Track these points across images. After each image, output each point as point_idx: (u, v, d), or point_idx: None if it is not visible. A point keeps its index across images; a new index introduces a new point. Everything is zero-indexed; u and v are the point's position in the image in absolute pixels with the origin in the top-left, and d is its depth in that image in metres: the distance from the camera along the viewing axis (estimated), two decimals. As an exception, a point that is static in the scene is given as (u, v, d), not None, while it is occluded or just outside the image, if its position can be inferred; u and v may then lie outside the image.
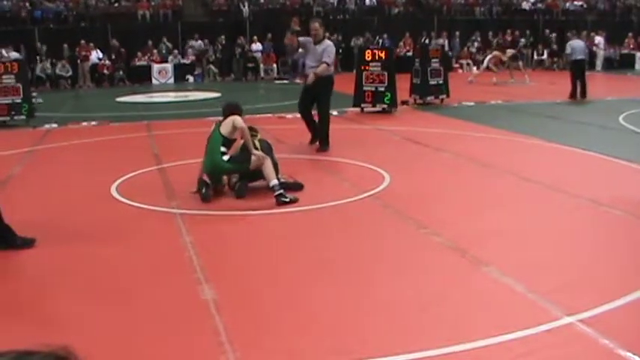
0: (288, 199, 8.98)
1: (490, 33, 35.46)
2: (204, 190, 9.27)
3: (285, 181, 9.64)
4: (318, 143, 13.00)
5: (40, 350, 1.21)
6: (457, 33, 34.85)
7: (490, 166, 11.00)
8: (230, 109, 9.64)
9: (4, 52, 26.43)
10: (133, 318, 5.55)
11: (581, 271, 6.42)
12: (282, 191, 9.06)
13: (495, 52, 27.46)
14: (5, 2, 33.49)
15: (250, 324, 5.36)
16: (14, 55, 25.26)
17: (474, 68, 33.03)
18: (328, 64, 12.82)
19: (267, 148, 9.79)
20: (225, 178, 9.74)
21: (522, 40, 34.50)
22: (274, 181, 9.11)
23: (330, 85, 13.01)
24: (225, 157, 9.31)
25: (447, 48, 32.31)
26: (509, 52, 27.76)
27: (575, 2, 38.12)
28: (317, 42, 12.94)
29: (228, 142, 9.39)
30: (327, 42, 13.16)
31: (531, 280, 6.06)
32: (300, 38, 13.34)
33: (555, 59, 33.59)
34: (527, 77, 26.40)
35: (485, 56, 28.76)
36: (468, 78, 26.18)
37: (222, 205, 9.05)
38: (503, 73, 26.51)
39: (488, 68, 27.09)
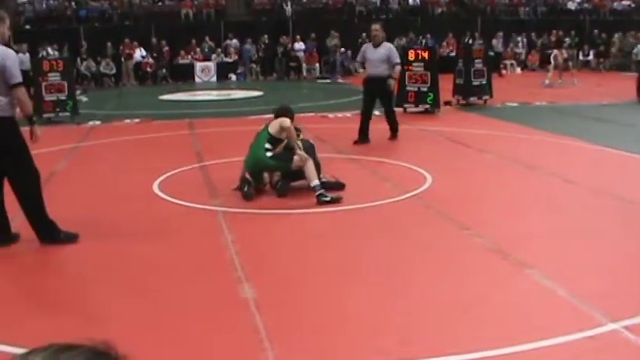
0: (329, 199, 8.96)
1: (533, 34, 35.09)
2: (246, 188, 9.30)
3: (327, 180, 9.63)
4: (390, 133, 13.87)
5: (81, 344, 1.21)
6: (501, 33, 34.54)
7: (534, 167, 10.88)
8: (282, 112, 9.71)
9: (49, 50, 26.73)
10: (174, 315, 5.57)
11: (627, 276, 6.32)
12: (322, 191, 9.04)
13: (556, 51, 26.98)
14: (52, 1, 33.90)
15: (290, 323, 5.35)
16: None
17: (518, 69, 32.77)
18: (399, 64, 13.93)
19: (309, 147, 9.79)
20: (266, 176, 9.75)
21: (567, 39, 34.08)
22: (315, 182, 9.09)
23: (390, 83, 13.55)
24: (269, 154, 9.32)
25: (500, 49, 32.02)
26: (564, 52, 27.33)
27: (623, 2, 37.54)
28: (377, 44, 13.59)
29: (274, 140, 9.40)
30: (388, 44, 13.90)
31: (574, 284, 5.97)
32: (361, 50, 14.18)
33: (602, 60, 33.14)
34: (575, 78, 25.99)
35: (550, 54, 28.19)
36: (545, 82, 25.62)
37: (263, 204, 9.05)
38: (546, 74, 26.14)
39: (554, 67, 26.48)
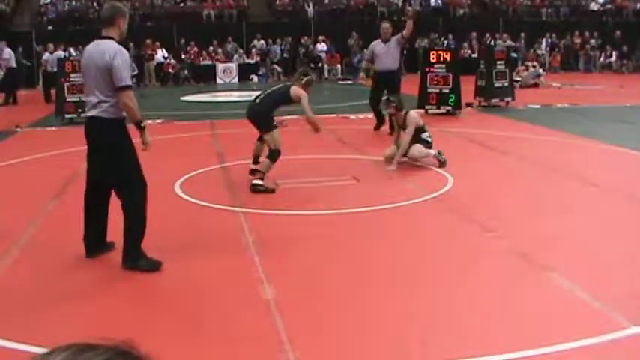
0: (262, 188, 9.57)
1: (553, 35, 34.83)
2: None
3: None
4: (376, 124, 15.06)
5: (102, 343, 1.22)
6: (522, 35, 34.37)
7: (556, 170, 10.82)
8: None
9: (72, 50, 26.82)
10: (194, 316, 5.59)
11: (649, 279, 6.28)
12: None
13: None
14: (74, 2, 34.09)
15: (311, 324, 5.36)
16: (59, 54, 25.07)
17: (540, 70, 32.61)
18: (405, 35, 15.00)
19: None
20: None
21: (592, 41, 33.85)
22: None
23: (399, 75, 15.26)
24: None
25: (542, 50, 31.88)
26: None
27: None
28: (386, 40, 14.85)
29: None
30: (394, 37, 14.97)
31: (597, 287, 5.94)
32: (369, 48, 15.56)
33: (624, 62, 32.91)
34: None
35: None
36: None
37: (284, 205, 9.06)
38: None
39: None
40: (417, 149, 11.03)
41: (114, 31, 6.70)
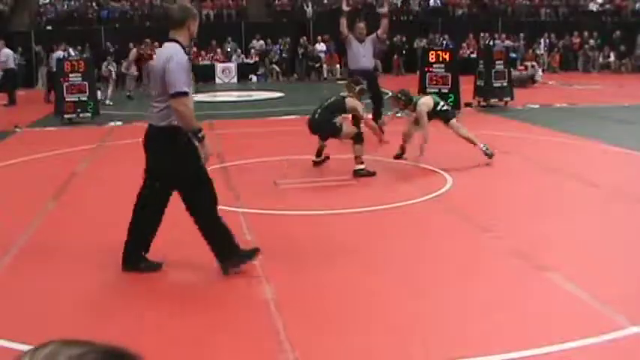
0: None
1: (552, 35, 34.79)
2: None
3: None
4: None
5: (92, 341, 1.21)
6: (522, 35, 34.37)
7: (555, 170, 10.82)
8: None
9: (70, 50, 26.78)
10: (194, 317, 5.58)
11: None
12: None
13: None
14: (73, 2, 34.06)
15: (310, 324, 5.36)
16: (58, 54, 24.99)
17: (540, 70, 32.60)
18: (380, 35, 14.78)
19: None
20: None
21: (591, 41, 33.81)
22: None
23: (375, 75, 15.20)
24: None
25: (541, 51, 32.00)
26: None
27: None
28: (361, 40, 14.45)
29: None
30: (369, 37, 14.65)
31: (596, 287, 5.94)
32: (350, 35, 14.82)
33: (623, 61, 32.88)
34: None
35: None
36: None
37: (284, 205, 9.06)
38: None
39: None
40: (455, 125, 11.66)
41: (182, 33, 6.42)
